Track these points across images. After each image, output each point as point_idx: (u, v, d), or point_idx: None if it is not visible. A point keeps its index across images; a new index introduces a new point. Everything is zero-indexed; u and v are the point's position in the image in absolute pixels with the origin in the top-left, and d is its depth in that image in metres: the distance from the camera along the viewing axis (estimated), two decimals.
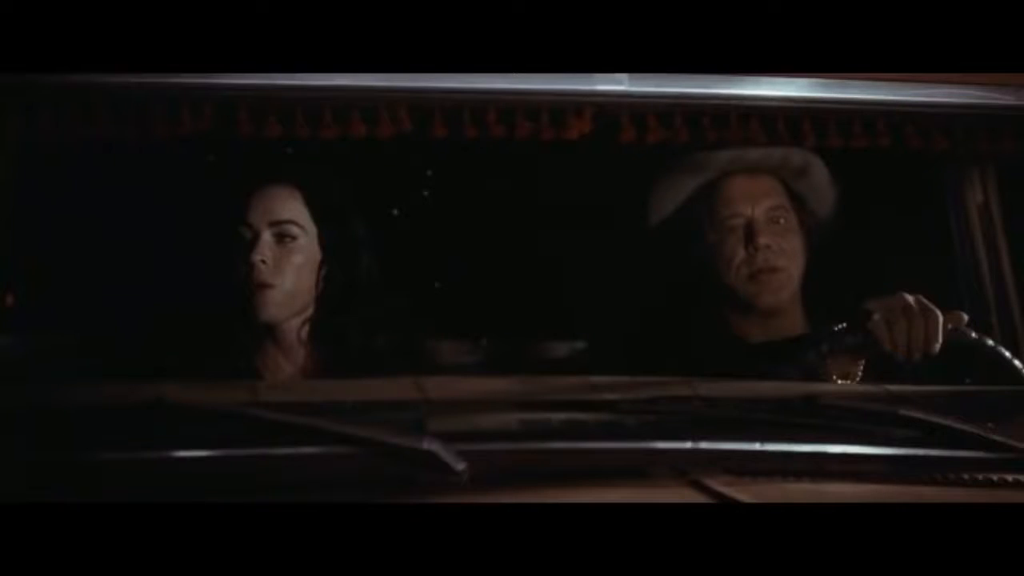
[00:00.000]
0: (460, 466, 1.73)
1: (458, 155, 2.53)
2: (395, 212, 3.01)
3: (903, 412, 1.92)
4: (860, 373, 2.39)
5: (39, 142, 2.11)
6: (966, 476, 1.82)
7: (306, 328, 2.50)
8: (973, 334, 2.35)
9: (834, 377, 2.36)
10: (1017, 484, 1.81)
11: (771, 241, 2.56)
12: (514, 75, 2.11)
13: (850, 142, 2.29)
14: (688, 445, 1.85)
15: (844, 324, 2.38)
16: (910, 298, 2.34)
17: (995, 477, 1.81)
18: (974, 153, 2.49)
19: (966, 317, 2.36)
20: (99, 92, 2.03)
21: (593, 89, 2.15)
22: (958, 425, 1.90)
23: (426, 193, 3.07)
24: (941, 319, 2.33)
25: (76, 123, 2.03)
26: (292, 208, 2.48)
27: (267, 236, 2.45)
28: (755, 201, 2.58)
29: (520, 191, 2.95)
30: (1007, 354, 2.33)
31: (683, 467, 1.79)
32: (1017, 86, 2.28)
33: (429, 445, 1.74)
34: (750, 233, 2.56)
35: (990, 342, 2.35)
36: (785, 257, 2.57)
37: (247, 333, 2.50)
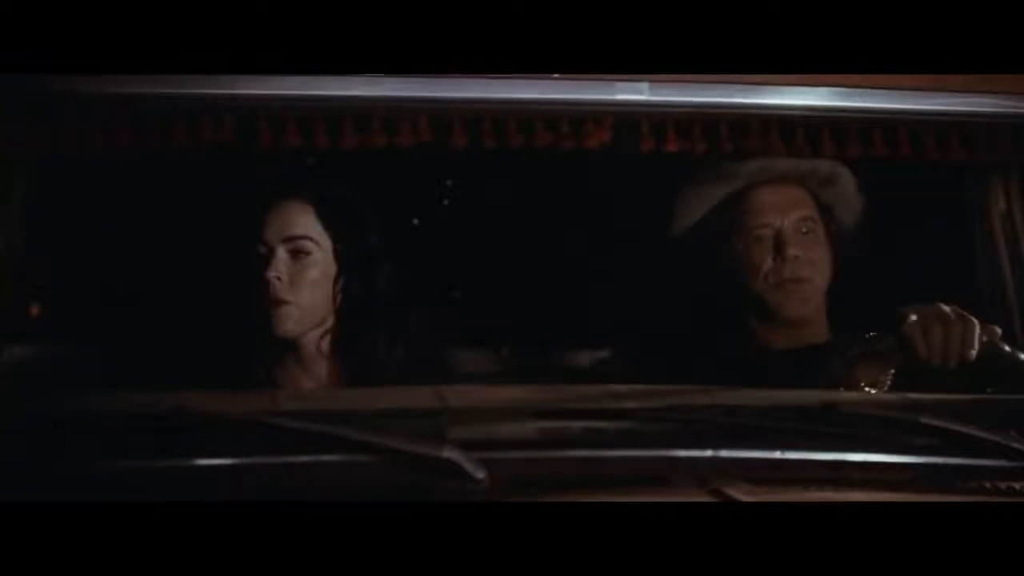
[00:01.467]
0: (480, 474, 1.73)
1: (478, 164, 2.54)
2: (415, 222, 3.02)
3: (924, 420, 1.92)
4: (889, 380, 2.38)
5: (62, 154, 2.12)
6: (987, 485, 1.82)
7: (326, 341, 2.50)
8: (1007, 348, 2.34)
9: (863, 384, 2.35)
10: None
11: (800, 252, 2.55)
12: (534, 84, 2.11)
13: (870, 151, 2.28)
14: (708, 453, 1.85)
15: (874, 332, 2.37)
16: (947, 307, 2.33)
17: (1017, 486, 1.81)
18: (996, 162, 2.49)
19: (999, 330, 2.35)
20: (120, 103, 2.04)
21: (613, 99, 2.15)
22: (979, 433, 1.89)
23: (446, 202, 3.08)
24: (978, 328, 2.32)
25: (97, 134, 2.04)
26: (305, 223, 2.49)
27: (282, 252, 2.46)
28: (784, 212, 2.57)
29: (540, 200, 2.95)
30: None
31: (703, 475, 1.79)
32: None
33: (449, 453, 1.74)
34: (779, 244, 2.55)
35: (1023, 356, 2.33)
36: (813, 268, 2.57)
37: (267, 348, 2.50)
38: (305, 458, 1.78)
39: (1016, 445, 1.88)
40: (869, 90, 2.22)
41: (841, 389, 2.31)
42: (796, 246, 2.55)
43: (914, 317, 2.32)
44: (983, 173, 2.67)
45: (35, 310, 2.79)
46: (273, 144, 2.06)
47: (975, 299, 2.65)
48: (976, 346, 2.30)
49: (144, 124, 2.05)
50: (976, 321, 2.31)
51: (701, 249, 2.63)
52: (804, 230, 2.57)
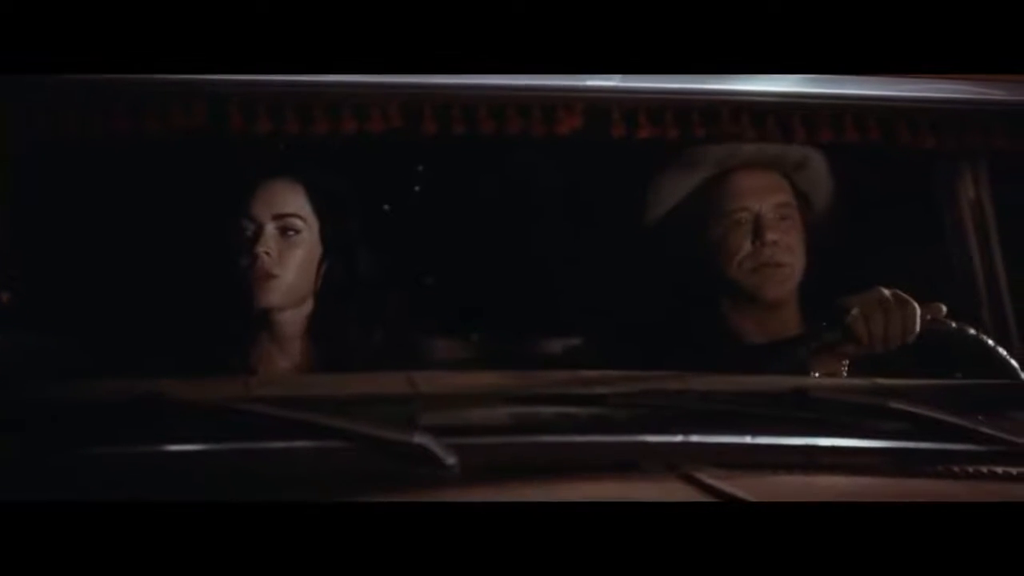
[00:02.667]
0: (451, 460, 1.74)
1: (449, 150, 2.54)
2: (386, 208, 3.01)
3: (893, 405, 1.92)
4: (845, 370, 2.40)
5: (32, 139, 2.11)
6: (956, 469, 1.82)
7: (303, 321, 2.51)
8: (953, 324, 2.36)
9: (821, 374, 2.36)
10: (1006, 477, 1.81)
11: (778, 237, 2.55)
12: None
13: (841, 138, 2.29)
14: (679, 438, 1.85)
15: (825, 322, 2.39)
16: (886, 291, 2.35)
17: (984, 469, 1.82)
18: (966, 149, 2.50)
19: (944, 308, 2.37)
20: (90, 89, 2.02)
21: (584, 84, 2.15)
22: (948, 418, 1.90)
23: (417, 188, 3.07)
24: (918, 310, 2.34)
25: (66, 120, 2.03)
26: (295, 202, 2.49)
27: (271, 229, 2.47)
28: (763, 196, 2.57)
29: (512, 186, 2.95)
30: (990, 342, 2.35)
31: (674, 460, 1.80)
32: (1009, 81, 2.28)
33: (420, 439, 1.74)
34: (758, 228, 2.55)
35: (971, 331, 2.35)
36: (791, 253, 2.57)
37: (244, 327, 2.51)
38: (276, 444, 1.78)
39: (984, 429, 1.89)
40: (840, 76, 2.23)
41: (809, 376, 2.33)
42: (775, 231, 2.55)
43: (855, 307, 2.34)
44: (953, 160, 2.68)
45: (5, 297, 2.77)
46: (244, 130, 2.06)
47: (944, 286, 2.66)
48: (917, 329, 2.32)
49: (114, 110, 2.04)
50: (916, 304, 2.33)
51: (676, 235, 2.63)
52: (782, 215, 2.57)
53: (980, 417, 1.94)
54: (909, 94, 2.26)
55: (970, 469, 1.82)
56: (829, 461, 1.85)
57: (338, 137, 2.12)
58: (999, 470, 1.82)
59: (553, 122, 2.17)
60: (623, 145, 2.25)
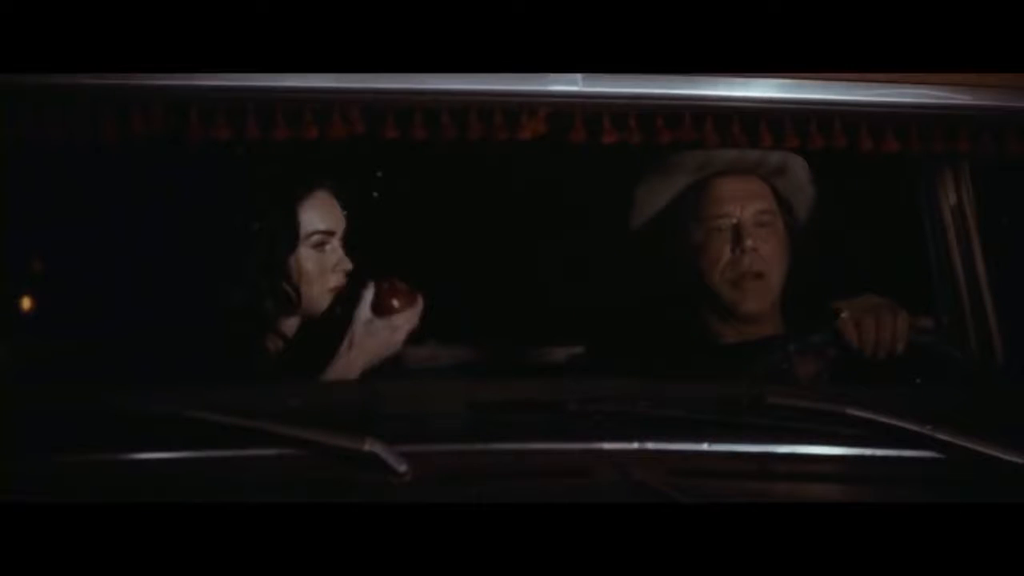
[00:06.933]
0: (402, 467, 1.74)
1: (412, 156, 2.53)
2: (345, 212, 3.01)
3: (850, 412, 1.92)
4: (827, 372, 2.39)
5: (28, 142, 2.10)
6: (913, 475, 1.82)
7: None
8: (936, 339, 2.36)
9: (802, 376, 2.36)
10: (963, 482, 1.81)
11: (758, 245, 2.53)
12: (467, 75, 2.10)
13: (807, 143, 2.27)
14: (635, 446, 1.85)
15: (813, 325, 2.39)
16: (879, 299, 2.35)
17: (941, 476, 1.82)
18: (932, 154, 2.49)
19: (931, 323, 2.37)
20: (48, 94, 2.02)
21: (546, 89, 2.13)
22: (904, 424, 1.90)
23: (376, 194, 3.07)
24: (907, 320, 2.34)
25: (28, 126, 2.02)
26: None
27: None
28: (744, 203, 2.55)
29: (482, 192, 2.94)
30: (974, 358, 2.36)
31: (628, 467, 1.79)
32: (973, 87, 2.27)
33: (371, 447, 1.75)
34: (738, 235, 2.53)
35: (956, 353, 2.36)
36: (770, 263, 2.55)
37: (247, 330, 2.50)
38: (228, 452, 1.78)
39: (941, 436, 1.88)
40: (805, 81, 2.22)
41: (782, 382, 2.32)
42: (754, 238, 2.53)
43: (847, 310, 2.34)
44: (934, 166, 2.67)
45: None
46: (203, 136, 2.05)
47: (926, 292, 2.66)
48: (906, 338, 2.33)
49: (73, 115, 2.03)
50: (906, 313, 2.33)
51: (658, 240, 2.62)
52: (762, 222, 2.56)
53: (938, 424, 1.92)
54: (873, 99, 2.25)
55: (926, 475, 1.82)
56: (785, 468, 1.85)
57: (299, 143, 2.11)
58: (955, 476, 1.82)
59: (516, 127, 2.15)
60: (594, 150, 2.24)
